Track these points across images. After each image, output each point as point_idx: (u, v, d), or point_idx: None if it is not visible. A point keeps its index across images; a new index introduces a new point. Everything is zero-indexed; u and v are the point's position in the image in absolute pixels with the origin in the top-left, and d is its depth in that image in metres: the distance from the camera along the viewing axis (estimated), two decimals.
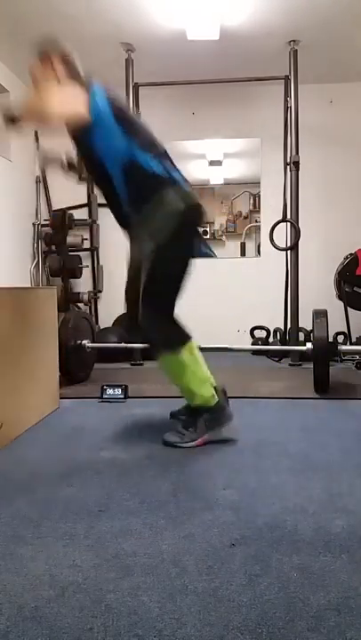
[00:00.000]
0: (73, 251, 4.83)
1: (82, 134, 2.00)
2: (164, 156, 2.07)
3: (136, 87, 4.23)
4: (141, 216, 2.02)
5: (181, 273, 2.05)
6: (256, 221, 5.60)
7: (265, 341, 4.68)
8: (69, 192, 5.01)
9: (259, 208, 5.33)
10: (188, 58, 4.21)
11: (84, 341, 3.41)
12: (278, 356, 4.31)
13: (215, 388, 2.17)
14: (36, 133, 5.02)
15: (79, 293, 4.85)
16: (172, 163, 2.09)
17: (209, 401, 2.06)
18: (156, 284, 2.00)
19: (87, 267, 4.95)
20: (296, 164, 4.04)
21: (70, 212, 4.83)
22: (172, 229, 1.97)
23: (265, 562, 1.19)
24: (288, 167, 4.12)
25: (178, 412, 2.29)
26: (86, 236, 4.95)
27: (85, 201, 5.00)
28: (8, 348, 2.14)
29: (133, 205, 2.02)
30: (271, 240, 4.14)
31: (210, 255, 2.21)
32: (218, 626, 0.98)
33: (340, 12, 3.62)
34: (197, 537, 1.32)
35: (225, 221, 5.79)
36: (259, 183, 5.12)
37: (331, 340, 3.07)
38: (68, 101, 1.90)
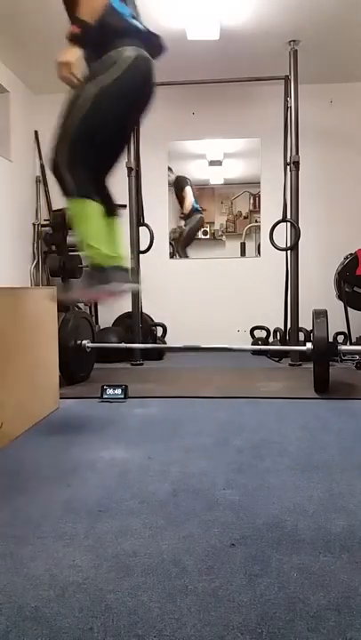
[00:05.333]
0: (73, 251, 4.82)
1: None
2: None
3: None
4: (96, 64, 2.03)
5: (121, 122, 2.08)
6: (256, 221, 5.60)
7: (265, 341, 4.68)
8: None
9: (259, 208, 5.33)
10: (188, 58, 4.21)
11: (84, 341, 3.41)
12: (278, 356, 4.31)
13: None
14: (35, 133, 5.03)
15: None
16: None
17: (103, 260, 2.08)
18: (92, 127, 2.00)
19: (87, 267, 4.94)
20: (296, 164, 4.04)
21: None
22: (120, 74, 1.99)
23: (265, 562, 1.19)
24: (288, 167, 4.12)
25: None
26: None
27: None
28: (8, 348, 2.14)
29: (95, 52, 2.03)
30: (271, 240, 4.14)
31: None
32: (218, 626, 0.98)
33: (340, 12, 3.62)
34: (197, 537, 1.32)
35: (225, 221, 5.79)
36: (259, 183, 5.12)
37: (331, 340, 3.07)
38: None
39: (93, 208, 2.04)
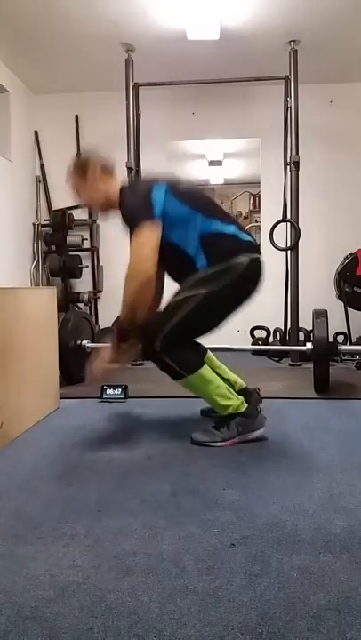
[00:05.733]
0: (73, 251, 4.83)
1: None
2: (228, 217, 2.12)
3: (136, 87, 4.23)
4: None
5: (217, 323, 2.09)
6: (256, 221, 5.60)
7: (265, 341, 4.68)
8: (69, 192, 5.02)
9: (259, 208, 5.33)
10: (188, 58, 4.20)
11: (84, 341, 3.41)
12: (278, 356, 4.31)
13: (247, 389, 2.19)
14: (35, 133, 5.03)
15: (79, 293, 4.85)
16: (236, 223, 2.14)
17: (239, 408, 2.07)
18: (190, 324, 2.00)
19: (87, 267, 4.95)
20: (296, 164, 4.04)
21: (70, 212, 4.84)
22: (231, 280, 1.98)
23: (265, 562, 1.19)
24: (288, 167, 4.12)
25: (210, 410, 2.33)
26: (86, 236, 4.95)
27: None
28: (8, 348, 2.14)
29: (211, 263, 2.02)
30: (271, 240, 4.14)
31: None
32: (218, 626, 0.98)
33: (340, 12, 3.61)
34: (197, 537, 1.32)
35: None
36: (259, 183, 5.12)
37: (331, 339, 3.07)
38: (145, 248, 1.93)
39: (204, 371, 2.05)
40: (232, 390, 2.12)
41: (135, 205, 2.02)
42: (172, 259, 2.05)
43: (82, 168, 2.16)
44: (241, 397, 2.10)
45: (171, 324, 1.97)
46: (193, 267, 2.02)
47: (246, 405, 2.09)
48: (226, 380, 2.20)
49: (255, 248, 2.09)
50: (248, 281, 2.05)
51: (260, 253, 2.09)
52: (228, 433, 2.05)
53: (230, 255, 1.99)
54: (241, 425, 2.06)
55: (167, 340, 1.98)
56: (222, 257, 1.99)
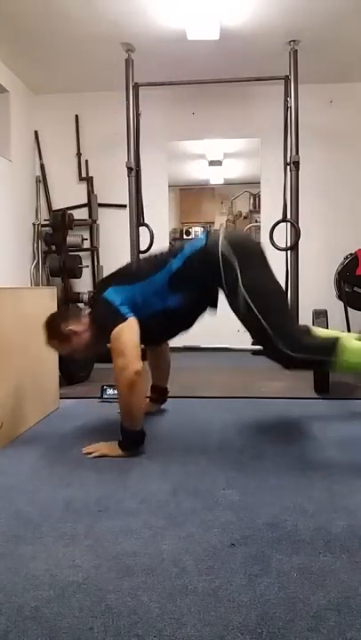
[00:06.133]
0: (73, 251, 4.82)
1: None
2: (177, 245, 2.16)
3: (136, 87, 4.22)
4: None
5: (277, 293, 2.12)
6: (256, 221, 5.60)
7: None
8: (69, 192, 5.02)
9: (259, 208, 5.33)
10: (188, 58, 4.20)
11: None
12: None
13: None
14: (35, 133, 5.03)
15: (79, 293, 4.85)
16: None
17: None
18: (267, 318, 1.98)
19: (87, 267, 4.95)
20: (296, 164, 4.03)
21: (70, 212, 4.84)
22: (238, 262, 2.00)
23: (265, 562, 1.19)
24: (288, 167, 4.11)
25: None
26: (86, 236, 4.95)
27: (85, 201, 5.00)
28: (8, 348, 2.14)
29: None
30: (271, 240, 4.13)
31: None
32: (218, 626, 0.98)
33: (340, 12, 3.61)
34: (197, 537, 1.32)
35: (225, 221, 5.79)
36: (259, 183, 5.12)
37: None
38: (130, 348, 1.96)
39: (346, 340, 1.97)
40: None
41: (102, 319, 2.05)
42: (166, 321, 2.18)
43: (56, 336, 2.12)
44: None
45: (270, 326, 1.96)
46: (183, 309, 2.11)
47: None
48: None
49: (212, 242, 2.07)
50: (250, 253, 2.10)
51: (220, 238, 2.07)
52: None
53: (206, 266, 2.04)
54: None
55: (288, 338, 1.96)
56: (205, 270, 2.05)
